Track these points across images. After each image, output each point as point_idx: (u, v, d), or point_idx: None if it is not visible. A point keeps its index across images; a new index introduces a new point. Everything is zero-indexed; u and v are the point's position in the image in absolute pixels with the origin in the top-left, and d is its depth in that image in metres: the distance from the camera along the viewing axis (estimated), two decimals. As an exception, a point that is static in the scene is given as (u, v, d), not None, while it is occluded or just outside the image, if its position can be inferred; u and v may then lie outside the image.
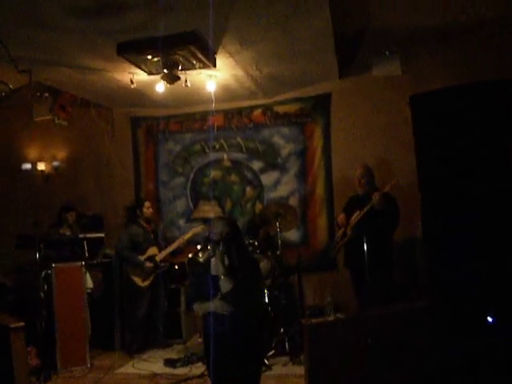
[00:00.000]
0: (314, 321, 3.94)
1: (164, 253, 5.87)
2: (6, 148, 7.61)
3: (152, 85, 5.46)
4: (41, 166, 7.42)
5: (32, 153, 7.58)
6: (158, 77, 5.05)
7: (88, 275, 6.03)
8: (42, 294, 5.65)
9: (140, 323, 5.95)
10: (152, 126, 7.05)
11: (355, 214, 5.25)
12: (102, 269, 6.51)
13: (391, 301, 4.92)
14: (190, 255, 5.86)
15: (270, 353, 5.24)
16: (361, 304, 5.36)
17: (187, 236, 5.85)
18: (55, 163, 7.40)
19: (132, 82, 5.21)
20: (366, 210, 5.08)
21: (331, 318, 3.95)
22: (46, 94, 6.97)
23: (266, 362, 4.97)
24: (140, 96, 6.18)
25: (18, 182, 7.46)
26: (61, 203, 6.62)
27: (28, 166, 7.44)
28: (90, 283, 6.06)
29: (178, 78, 4.80)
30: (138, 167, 7.15)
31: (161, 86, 5.28)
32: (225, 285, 3.28)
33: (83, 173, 7.35)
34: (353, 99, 6.49)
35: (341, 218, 5.39)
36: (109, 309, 6.29)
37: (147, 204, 5.99)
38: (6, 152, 7.59)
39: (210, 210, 6.76)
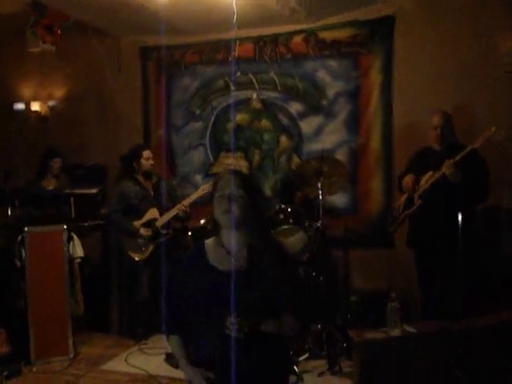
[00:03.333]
0: (369, 336, 2.58)
1: (167, 216, 4.55)
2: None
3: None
4: (35, 107, 6.19)
5: (26, 91, 6.34)
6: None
7: (77, 241, 4.82)
8: (19, 263, 4.51)
9: (142, 305, 4.77)
10: (165, 57, 5.64)
11: (427, 176, 3.82)
12: (101, 233, 5.33)
13: (471, 299, 3.51)
14: (202, 221, 4.54)
15: (303, 357, 3.93)
16: (427, 298, 3.95)
17: (195, 195, 4.47)
18: (51, 103, 6.14)
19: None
20: (441, 173, 3.65)
21: (396, 333, 2.57)
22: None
23: (295, 368, 3.67)
24: (144, 13, 4.77)
25: (9, 126, 6.25)
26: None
27: (21, 105, 6.22)
28: (79, 251, 4.84)
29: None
30: (147, 108, 5.79)
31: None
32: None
33: (84, 115, 6.06)
34: (424, 25, 4.87)
35: (408, 179, 3.94)
36: (106, 283, 5.13)
37: (147, 153, 4.65)
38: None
39: (233, 163, 5.38)
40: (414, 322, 2.75)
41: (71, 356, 4.35)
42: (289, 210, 4.32)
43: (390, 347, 2.50)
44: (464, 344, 2.48)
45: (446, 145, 3.89)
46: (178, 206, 4.51)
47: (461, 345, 2.51)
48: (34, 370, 4.18)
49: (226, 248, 2.04)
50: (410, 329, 2.54)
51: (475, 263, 3.60)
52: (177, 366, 4.00)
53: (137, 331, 4.75)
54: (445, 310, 3.33)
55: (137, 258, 4.55)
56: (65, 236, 4.38)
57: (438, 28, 4.83)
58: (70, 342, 4.39)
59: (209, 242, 2.10)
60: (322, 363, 3.90)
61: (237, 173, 2.12)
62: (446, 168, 3.61)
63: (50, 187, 5.04)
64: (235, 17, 3.88)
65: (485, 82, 4.66)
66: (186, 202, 4.50)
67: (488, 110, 4.56)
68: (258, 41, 5.30)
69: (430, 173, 3.79)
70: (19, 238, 4.44)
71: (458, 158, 3.59)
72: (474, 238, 3.70)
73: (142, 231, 4.52)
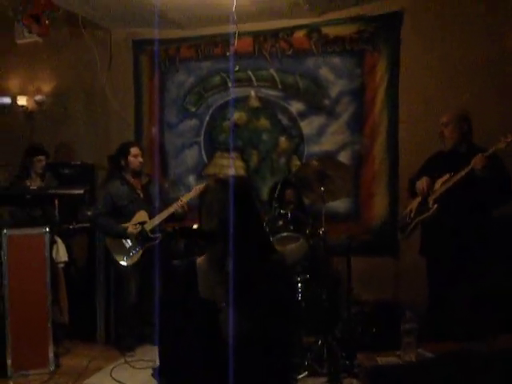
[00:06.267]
0: (380, 361, 2.29)
1: (157, 219, 4.26)
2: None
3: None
4: (22, 101, 5.86)
5: (13, 84, 6.02)
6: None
7: (61, 245, 4.54)
8: (-1, 267, 4.21)
9: (129, 313, 4.48)
10: (159, 51, 5.35)
11: (442, 179, 3.56)
12: (88, 236, 5.03)
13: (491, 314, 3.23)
14: (195, 226, 4.25)
15: (302, 375, 3.64)
16: (436, 313, 3.67)
17: (188, 197, 4.24)
18: (39, 98, 5.81)
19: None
20: (463, 173, 3.39)
21: (410, 358, 2.29)
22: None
23: (293, 388, 3.38)
24: (137, 4, 4.51)
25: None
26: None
27: (6, 100, 5.89)
28: (63, 255, 4.57)
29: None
30: (139, 105, 5.49)
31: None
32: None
33: (72, 111, 5.76)
34: (435, 22, 4.61)
35: (423, 181, 3.67)
36: (93, 290, 4.83)
37: (134, 150, 4.37)
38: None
39: (229, 164, 5.10)
40: (423, 342, 2.45)
41: (52, 369, 4.05)
42: (288, 215, 4.04)
43: (404, 375, 2.20)
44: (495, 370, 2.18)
45: (463, 147, 3.63)
46: (170, 207, 4.23)
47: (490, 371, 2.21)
48: (11, 383, 3.88)
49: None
50: (427, 354, 2.26)
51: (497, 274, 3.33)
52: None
53: (123, 342, 4.46)
54: (457, 327, 3.05)
55: (124, 263, 4.25)
56: (47, 239, 4.08)
57: (449, 25, 4.57)
58: (51, 353, 4.08)
59: (201, 265, 1.82)
60: (322, 381, 3.62)
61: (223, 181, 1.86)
62: (477, 163, 3.31)
63: (34, 187, 4.73)
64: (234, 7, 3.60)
65: (503, 84, 4.41)
66: (186, 197, 4.28)
67: (504, 114, 4.29)
68: (258, 35, 5.02)
69: (447, 175, 3.53)
70: None
71: (490, 152, 3.31)
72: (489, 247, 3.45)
73: (131, 229, 4.23)
